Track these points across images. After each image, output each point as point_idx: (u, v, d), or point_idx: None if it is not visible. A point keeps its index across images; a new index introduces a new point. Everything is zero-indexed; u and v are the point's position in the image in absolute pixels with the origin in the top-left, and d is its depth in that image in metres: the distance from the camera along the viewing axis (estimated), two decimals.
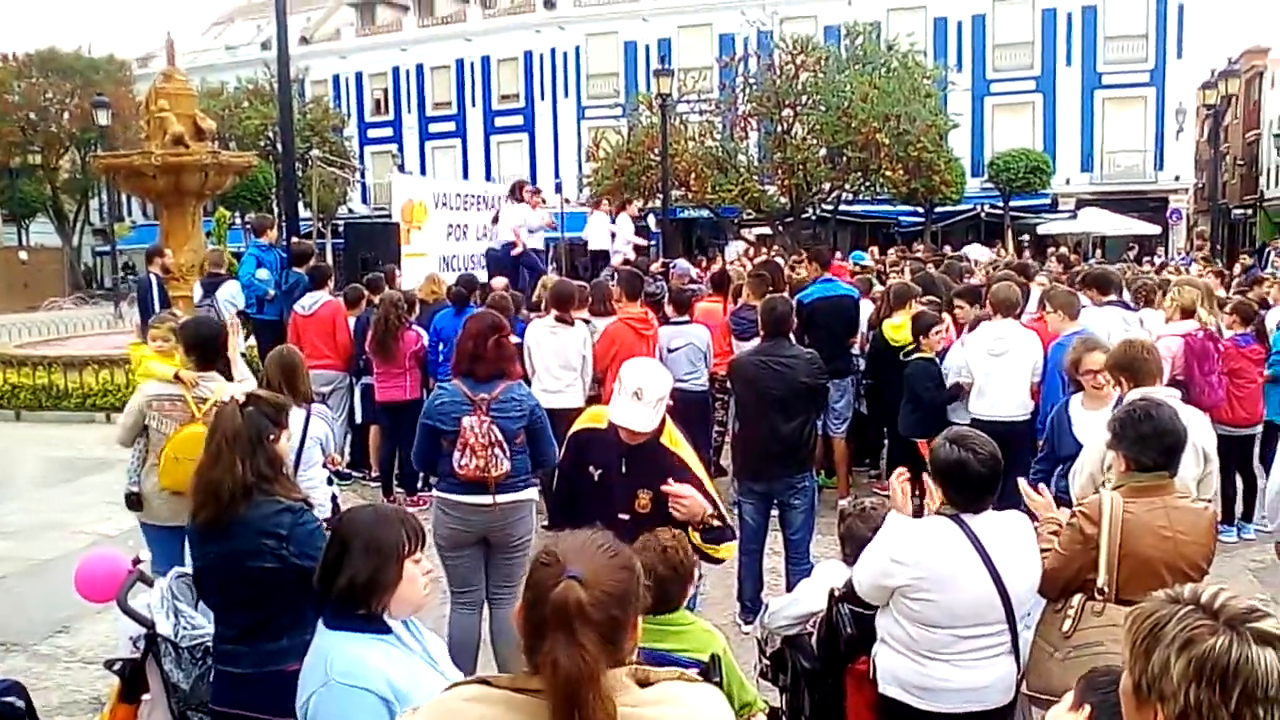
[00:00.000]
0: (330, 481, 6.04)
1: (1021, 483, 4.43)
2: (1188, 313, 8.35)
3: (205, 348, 5.79)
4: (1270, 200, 52.19)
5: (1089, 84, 39.48)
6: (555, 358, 8.57)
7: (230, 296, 11.73)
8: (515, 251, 14.72)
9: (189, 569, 4.00)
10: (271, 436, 3.87)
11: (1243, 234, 53.63)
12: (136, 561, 4.44)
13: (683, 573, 3.61)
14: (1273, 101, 53.75)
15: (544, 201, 17.26)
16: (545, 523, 5.63)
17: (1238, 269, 21.96)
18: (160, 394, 5.74)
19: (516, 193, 15.65)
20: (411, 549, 2.89)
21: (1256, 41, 58.91)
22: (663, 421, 4.39)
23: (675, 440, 4.47)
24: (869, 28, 32.63)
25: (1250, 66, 55.13)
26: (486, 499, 5.38)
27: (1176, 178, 39.03)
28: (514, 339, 5.96)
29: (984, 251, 23.37)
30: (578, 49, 45.46)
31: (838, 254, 18.76)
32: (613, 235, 17.05)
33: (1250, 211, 55.08)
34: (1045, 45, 39.78)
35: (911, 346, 8.63)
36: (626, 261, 15.16)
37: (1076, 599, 3.86)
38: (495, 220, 15.79)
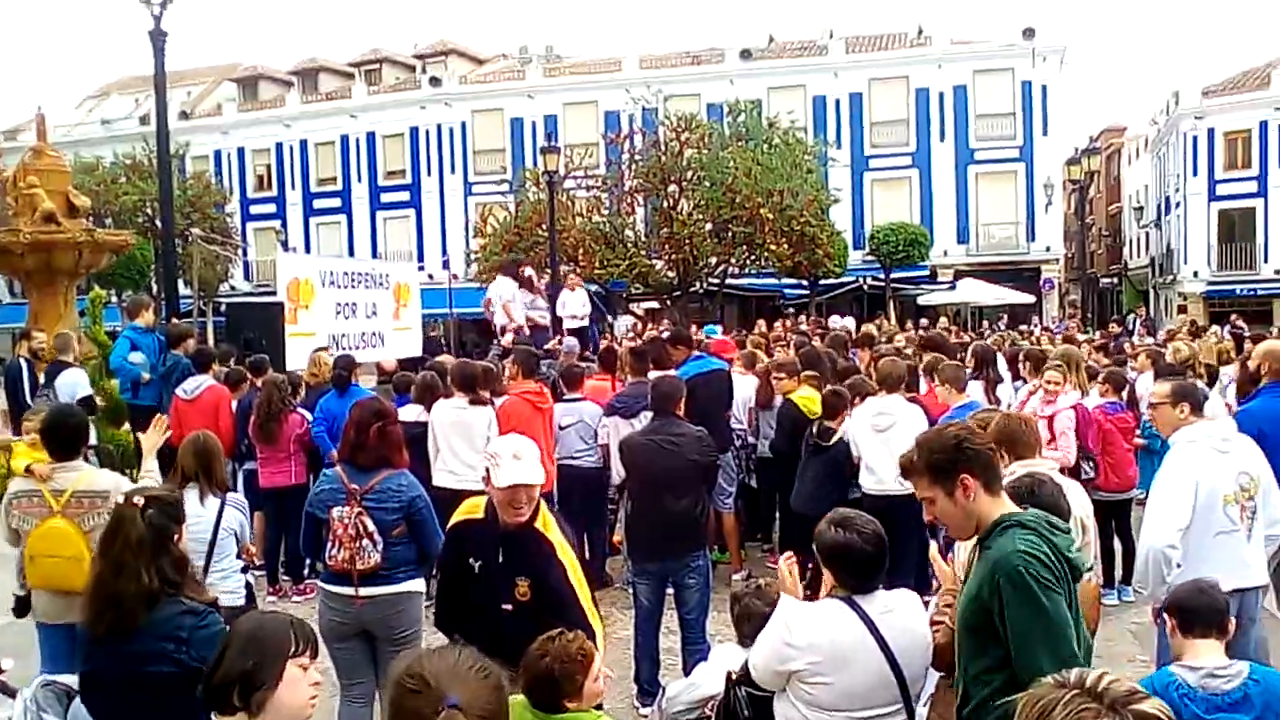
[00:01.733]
0: (245, 570, 5.84)
1: (933, 549, 4.49)
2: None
3: (61, 438, 5.53)
4: (1133, 270, 54.62)
5: (962, 159, 41.07)
6: (460, 439, 8.44)
7: (72, 385, 10.87)
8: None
9: (55, 676, 3.79)
10: (176, 537, 3.71)
11: (1110, 302, 55.96)
12: None
13: (583, 661, 3.56)
14: (1131, 177, 56.57)
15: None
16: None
17: (1101, 336, 22.90)
18: (18, 491, 5.50)
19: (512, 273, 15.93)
20: (298, 651, 2.77)
21: (1114, 120, 62.20)
22: (537, 506, 4.41)
23: (548, 524, 4.47)
24: (750, 105, 33.41)
25: (1109, 144, 58.05)
26: (349, 590, 5.27)
27: (1048, 248, 40.65)
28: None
29: (845, 320, 24.04)
30: (464, 125, 45.61)
31: (719, 328, 19.10)
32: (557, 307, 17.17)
33: (1116, 280, 57.57)
34: (919, 123, 41.33)
35: (829, 428, 8.65)
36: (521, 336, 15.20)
37: None
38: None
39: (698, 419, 8.09)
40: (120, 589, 3.49)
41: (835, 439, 8.50)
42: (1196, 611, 4.01)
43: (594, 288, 30.41)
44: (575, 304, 17.75)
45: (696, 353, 10.16)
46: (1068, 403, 8.58)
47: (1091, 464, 8.72)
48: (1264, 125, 39.75)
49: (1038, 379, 8.64)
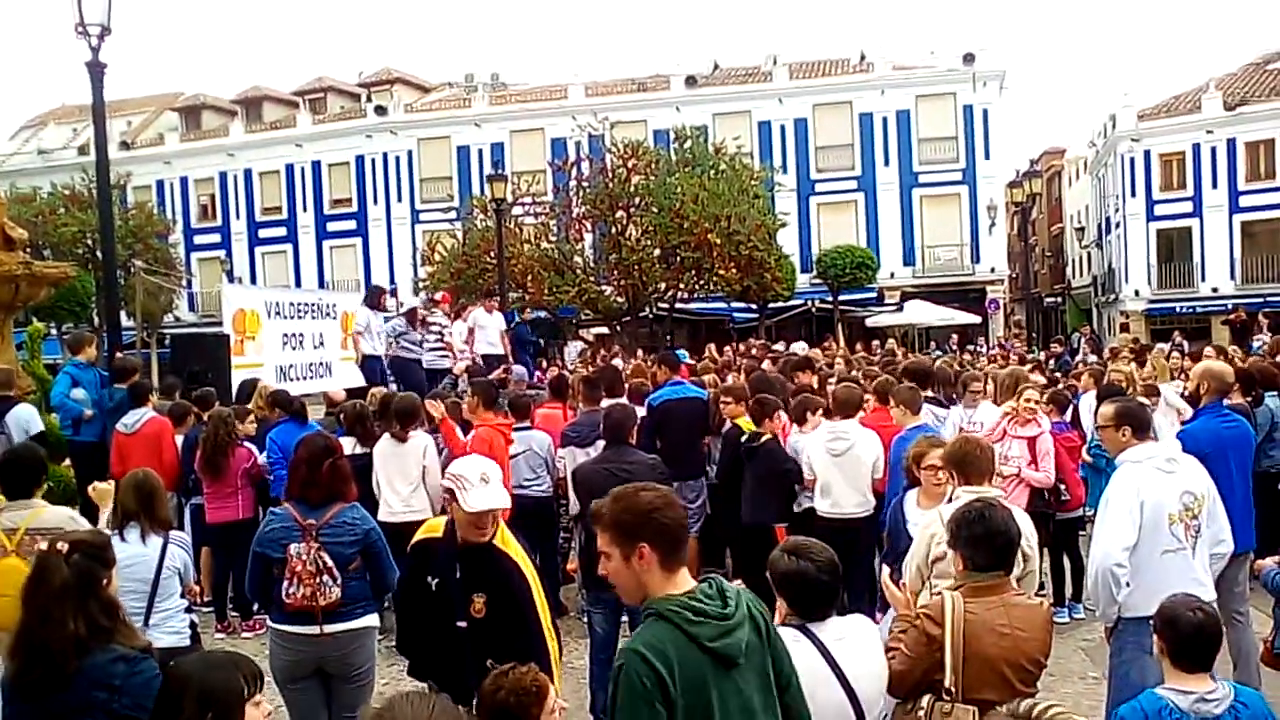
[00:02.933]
0: (189, 610, 5.72)
1: (884, 574, 4.49)
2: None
3: (16, 476, 5.48)
4: (1077, 289, 55.53)
5: (906, 183, 41.59)
6: (398, 474, 8.40)
7: (25, 420, 10.42)
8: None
9: None
10: (105, 581, 3.61)
11: (1055, 321, 56.81)
12: None
13: (538, 693, 3.51)
14: (1072, 198, 57.59)
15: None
16: (390, 643, 5.43)
17: (1047, 355, 23.24)
18: None
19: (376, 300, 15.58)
20: (250, 692, 2.72)
21: (1054, 143, 63.33)
22: (495, 523, 4.46)
23: (507, 541, 4.53)
24: (696, 132, 33.60)
25: (1050, 166, 59.15)
26: (314, 629, 5.19)
27: (992, 269, 41.23)
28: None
29: (799, 345, 24.14)
30: (410, 154, 45.49)
31: (685, 353, 19.02)
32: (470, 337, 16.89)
33: (1060, 300, 58.48)
34: (864, 147, 41.82)
35: (757, 433, 8.65)
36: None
37: (926, 699, 3.90)
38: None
39: (668, 445, 8.08)
40: (46, 637, 3.38)
41: (764, 439, 8.49)
42: (1197, 649, 3.85)
43: (542, 314, 30.42)
44: (492, 327, 17.39)
45: (676, 378, 10.17)
46: (1047, 425, 8.70)
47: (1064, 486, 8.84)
48: (1196, 148, 40.65)
49: (1013, 400, 8.67)
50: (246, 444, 9.38)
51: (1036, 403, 8.74)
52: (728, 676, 3.06)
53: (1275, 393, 10.02)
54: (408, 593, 4.74)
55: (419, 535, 4.76)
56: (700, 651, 3.03)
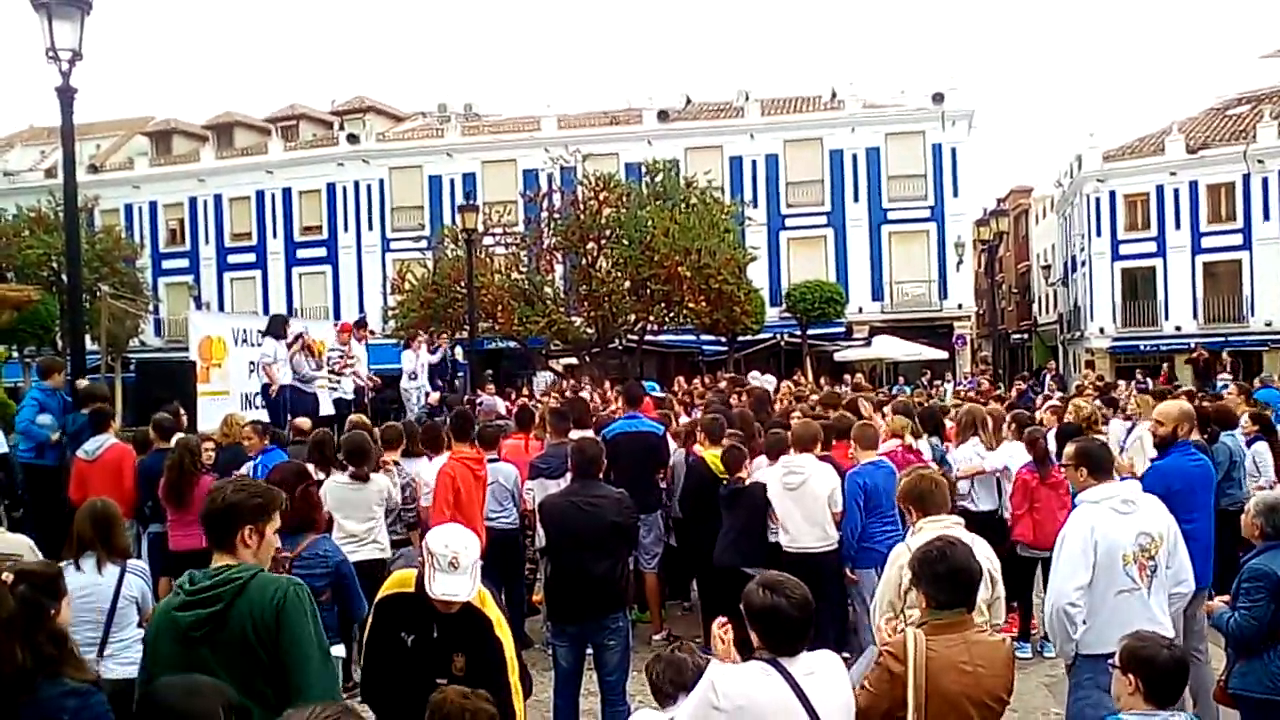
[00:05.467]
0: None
1: (879, 622, 4.51)
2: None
3: None
4: (1043, 326, 56.07)
5: (875, 219, 41.96)
6: (356, 511, 8.20)
7: None
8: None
9: None
10: (53, 611, 3.56)
11: (1021, 357, 57.32)
12: None
13: None
14: (1039, 236, 58.24)
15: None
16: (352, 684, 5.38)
17: (1014, 392, 23.39)
18: None
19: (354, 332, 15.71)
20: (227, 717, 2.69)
21: (1021, 181, 64.15)
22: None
23: (485, 600, 4.45)
24: (668, 165, 33.70)
25: (1017, 204, 59.87)
26: None
27: (960, 305, 41.59)
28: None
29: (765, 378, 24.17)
30: (382, 182, 45.46)
31: (657, 385, 19.07)
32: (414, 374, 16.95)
33: (1027, 336, 59.04)
34: (834, 183, 42.19)
35: (733, 478, 8.69)
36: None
37: None
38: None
39: (620, 479, 8.08)
40: None
41: (745, 484, 8.55)
42: (1171, 686, 3.85)
43: (513, 344, 30.37)
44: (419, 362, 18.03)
45: (630, 412, 10.18)
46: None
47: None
48: (1160, 189, 41.29)
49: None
50: (211, 472, 9.28)
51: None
52: None
53: (1231, 431, 10.20)
54: (378, 646, 4.57)
55: (388, 589, 4.60)
56: None
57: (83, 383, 11.92)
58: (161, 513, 9.25)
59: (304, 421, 11.77)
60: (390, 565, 7.65)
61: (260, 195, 46.98)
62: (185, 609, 3.57)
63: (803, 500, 8.12)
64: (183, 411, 11.70)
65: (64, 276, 21.73)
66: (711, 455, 9.14)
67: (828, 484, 8.22)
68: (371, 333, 20.41)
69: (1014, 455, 9.53)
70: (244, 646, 3.52)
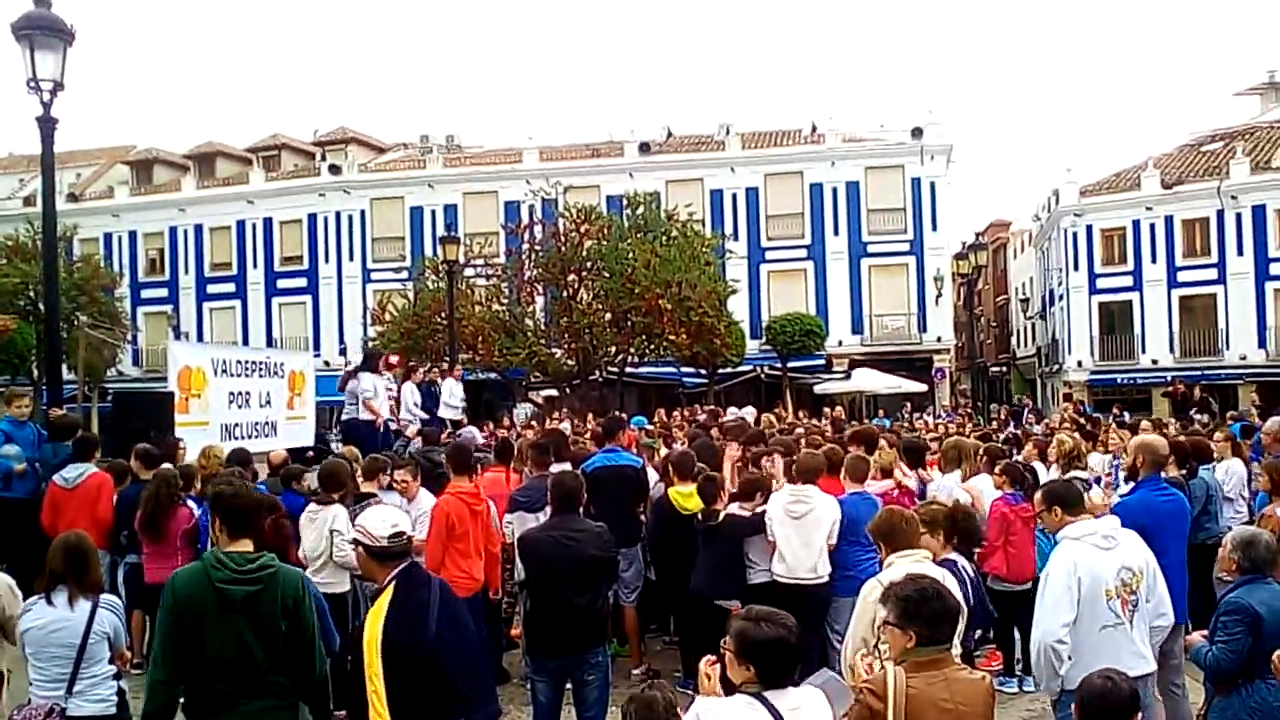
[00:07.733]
0: (118, 677, 5.56)
1: (856, 658, 4.51)
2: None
3: None
4: (1021, 359, 56.36)
5: (855, 252, 42.19)
6: (308, 539, 8.20)
7: None
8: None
9: None
10: None
11: (1000, 389, 57.57)
12: None
13: None
14: (1017, 270, 58.65)
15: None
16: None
17: (998, 425, 23.45)
18: None
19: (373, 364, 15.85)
20: None
21: (999, 215, 64.68)
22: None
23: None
24: (649, 198, 33.86)
25: (995, 238, 60.32)
26: None
27: (939, 338, 41.79)
28: None
29: (745, 410, 24.19)
30: (363, 213, 45.46)
31: (644, 419, 19.09)
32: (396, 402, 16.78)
33: (1005, 369, 59.34)
34: (814, 217, 42.43)
35: (712, 510, 8.64)
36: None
37: None
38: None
39: (600, 512, 8.04)
40: None
41: (721, 517, 8.52)
42: (1105, 713, 3.89)
43: (494, 376, 30.29)
44: (455, 394, 18.17)
45: (610, 445, 10.14)
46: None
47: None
48: (1136, 224, 41.71)
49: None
50: (189, 502, 9.19)
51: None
52: None
53: (1209, 465, 10.22)
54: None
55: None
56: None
57: (56, 413, 11.80)
58: (139, 543, 9.16)
59: (280, 454, 11.70)
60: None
61: (241, 225, 46.91)
62: (234, 584, 4.46)
63: (804, 528, 8.12)
64: (182, 443, 11.67)
65: (41, 305, 21.58)
66: (675, 492, 9.10)
67: (830, 515, 8.22)
68: (349, 363, 20.36)
69: (985, 489, 9.51)
70: (272, 618, 4.51)
